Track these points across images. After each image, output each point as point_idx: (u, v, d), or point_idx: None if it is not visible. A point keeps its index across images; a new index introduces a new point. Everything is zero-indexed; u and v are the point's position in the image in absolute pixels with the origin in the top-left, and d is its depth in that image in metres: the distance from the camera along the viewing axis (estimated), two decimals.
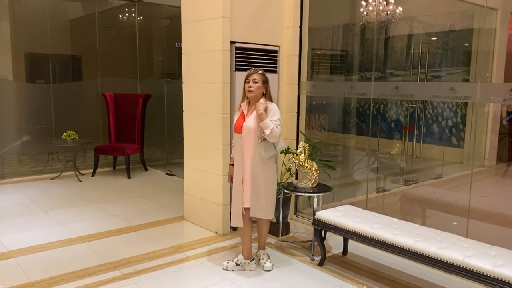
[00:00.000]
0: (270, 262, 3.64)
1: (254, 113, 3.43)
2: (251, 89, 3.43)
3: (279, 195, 4.08)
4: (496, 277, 2.64)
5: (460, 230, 3.55)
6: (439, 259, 2.89)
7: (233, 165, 3.61)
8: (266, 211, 3.57)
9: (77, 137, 6.61)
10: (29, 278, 3.39)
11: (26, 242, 4.12)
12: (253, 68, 3.56)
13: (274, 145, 3.46)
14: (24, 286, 3.26)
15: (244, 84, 3.50)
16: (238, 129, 3.49)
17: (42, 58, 7.44)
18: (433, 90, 3.80)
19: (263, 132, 3.35)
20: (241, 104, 3.59)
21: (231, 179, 3.67)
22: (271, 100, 3.53)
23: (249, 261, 3.60)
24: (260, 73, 3.47)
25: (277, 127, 3.35)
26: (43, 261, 3.72)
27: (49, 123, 7.23)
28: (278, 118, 3.40)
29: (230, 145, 3.77)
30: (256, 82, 3.43)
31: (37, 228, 4.54)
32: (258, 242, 3.78)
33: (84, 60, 8.28)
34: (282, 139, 3.54)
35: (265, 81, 3.48)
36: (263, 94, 3.49)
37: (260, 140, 3.43)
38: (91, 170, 7.01)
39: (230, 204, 3.82)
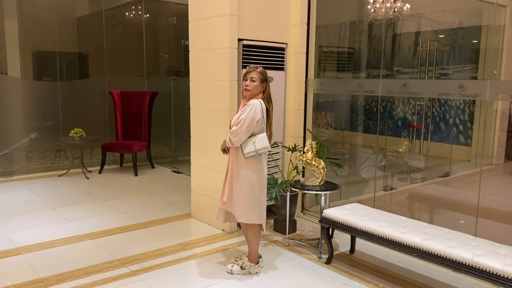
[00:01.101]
0: (232, 265, 3.51)
1: (241, 110, 3.35)
2: (248, 88, 3.30)
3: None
4: (506, 276, 2.63)
5: (468, 229, 3.53)
6: (448, 258, 2.87)
7: None
8: (239, 212, 3.38)
9: (84, 135, 6.63)
10: (37, 274, 3.42)
11: (34, 239, 4.15)
12: (252, 65, 3.41)
13: (254, 143, 3.28)
14: (33, 282, 3.28)
15: (242, 81, 3.38)
16: (230, 125, 3.43)
17: (49, 56, 7.48)
18: (442, 88, 3.77)
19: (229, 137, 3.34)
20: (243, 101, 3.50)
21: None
22: (269, 99, 3.37)
23: (254, 264, 3.52)
24: (258, 71, 3.31)
25: (231, 133, 3.27)
26: (52, 258, 3.75)
27: (56, 120, 7.28)
28: (241, 118, 3.24)
29: None
30: (254, 81, 3.29)
31: (45, 225, 4.57)
32: None
33: (91, 57, 8.31)
34: (264, 138, 3.31)
35: (264, 79, 3.33)
36: (262, 92, 3.35)
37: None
38: (98, 168, 7.04)
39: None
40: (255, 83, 3.31)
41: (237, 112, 3.47)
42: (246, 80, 3.33)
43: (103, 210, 5.11)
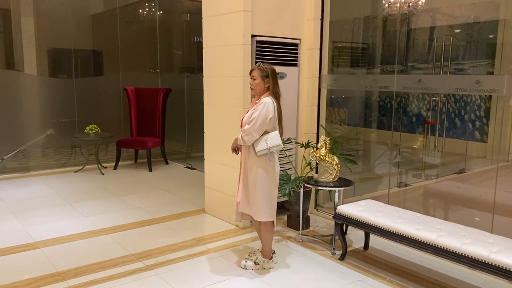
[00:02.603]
0: (246, 261, 3.54)
1: (252, 109, 3.34)
2: (251, 86, 3.35)
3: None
4: None
5: (485, 226, 3.49)
6: (463, 255, 2.85)
7: None
8: (255, 211, 3.39)
9: (100, 131, 6.71)
10: (55, 268, 3.48)
11: (52, 233, 4.22)
12: (259, 62, 3.42)
13: (266, 141, 3.26)
14: (51, 276, 3.35)
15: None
16: (241, 124, 3.44)
17: (64, 53, 7.58)
18: (458, 83, 3.73)
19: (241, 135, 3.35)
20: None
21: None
22: (275, 95, 3.32)
23: (267, 259, 3.53)
24: (259, 69, 3.29)
25: (243, 132, 3.26)
26: (69, 252, 3.81)
27: (72, 117, 7.37)
28: (253, 117, 3.23)
29: None
30: (255, 79, 3.30)
31: (62, 219, 4.64)
32: None
33: (105, 54, 8.40)
34: (277, 136, 3.28)
35: (266, 76, 3.28)
36: (267, 88, 3.31)
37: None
38: (113, 163, 7.12)
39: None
40: (256, 81, 3.31)
41: (247, 111, 3.44)
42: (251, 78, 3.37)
43: (118, 205, 5.18)
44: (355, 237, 4.17)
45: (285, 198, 4.33)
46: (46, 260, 3.63)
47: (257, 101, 3.34)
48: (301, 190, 4.14)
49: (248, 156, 3.38)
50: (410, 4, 5.71)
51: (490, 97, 5.25)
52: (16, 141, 6.90)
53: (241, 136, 3.32)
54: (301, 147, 4.44)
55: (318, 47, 4.72)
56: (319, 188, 4.07)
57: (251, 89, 3.37)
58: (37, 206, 5.09)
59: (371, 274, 3.44)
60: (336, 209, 3.73)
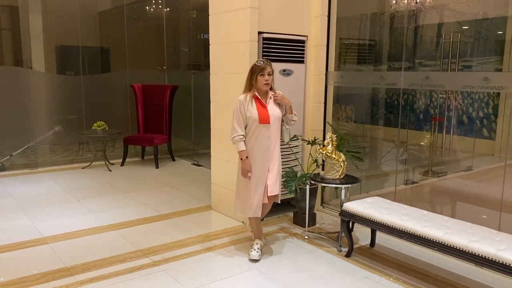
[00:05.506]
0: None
1: (272, 102, 3.57)
2: (268, 81, 3.49)
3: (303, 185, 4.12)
4: None
5: (492, 223, 3.47)
6: (470, 252, 2.84)
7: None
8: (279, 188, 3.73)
9: (107, 128, 6.74)
10: (63, 263, 3.51)
11: (59, 229, 4.25)
12: (263, 59, 3.55)
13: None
14: (59, 271, 3.38)
15: (257, 76, 3.46)
16: (266, 119, 3.48)
17: (72, 50, 7.62)
18: (465, 80, 3.71)
19: (294, 119, 3.68)
20: (255, 95, 3.50)
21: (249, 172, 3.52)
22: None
23: (255, 240, 3.75)
24: (270, 64, 3.54)
25: None
26: (76, 248, 3.85)
27: (79, 114, 7.42)
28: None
29: (239, 137, 3.50)
30: (270, 74, 3.51)
31: (70, 215, 4.68)
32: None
33: (112, 52, 8.43)
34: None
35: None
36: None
37: (286, 126, 3.69)
38: (120, 160, 7.16)
39: (239, 196, 3.72)
40: (271, 76, 3.55)
41: (261, 106, 3.51)
42: (264, 75, 3.47)
43: (126, 201, 5.21)
44: (362, 234, 4.16)
45: (292, 195, 4.34)
46: (54, 255, 3.67)
47: (272, 95, 3.56)
48: (307, 187, 4.14)
49: (278, 145, 3.67)
50: (418, 1, 5.68)
51: (498, 94, 5.21)
52: (25, 138, 6.96)
53: None
54: (307, 144, 4.44)
55: (325, 43, 4.71)
56: (325, 185, 4.07)
57: (268, 85, 3.50)
58: (45, 202, 5.14)
59: (377, 271, 3.44)
60: (342, 206, 3.73)
